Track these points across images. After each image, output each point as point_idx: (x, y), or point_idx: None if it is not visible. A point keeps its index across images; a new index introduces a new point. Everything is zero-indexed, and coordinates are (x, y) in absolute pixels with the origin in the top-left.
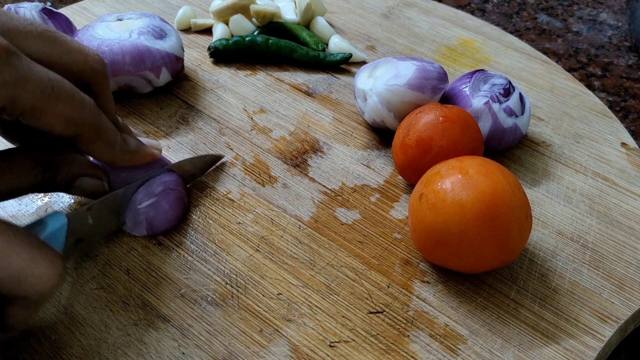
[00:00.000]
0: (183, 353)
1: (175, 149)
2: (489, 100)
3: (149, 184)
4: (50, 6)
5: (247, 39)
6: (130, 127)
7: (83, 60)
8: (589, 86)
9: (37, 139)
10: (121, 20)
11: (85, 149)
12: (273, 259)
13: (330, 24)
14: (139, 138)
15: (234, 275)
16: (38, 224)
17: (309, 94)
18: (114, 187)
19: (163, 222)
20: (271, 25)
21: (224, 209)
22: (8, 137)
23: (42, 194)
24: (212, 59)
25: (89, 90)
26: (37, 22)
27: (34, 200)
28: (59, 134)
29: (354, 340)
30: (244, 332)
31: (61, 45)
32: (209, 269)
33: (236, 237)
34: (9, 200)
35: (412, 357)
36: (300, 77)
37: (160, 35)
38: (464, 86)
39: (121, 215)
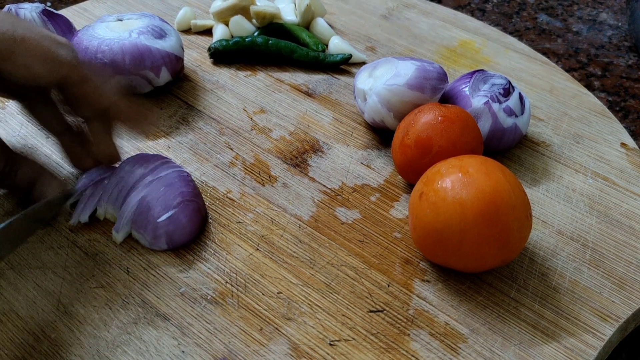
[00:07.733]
0: (183, 351)
1: (175, 149)
2: (488, 100)
3: (165, 194)
4: (50, 7)
5: (247, 39)
6: None
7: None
8: (589, 86)
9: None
10: (121, 20)
11: (77, 95)
12: (273, 257)
13: (330, 25)
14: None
15: (234, 274)
16: None
17: (309, 94)
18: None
19: (182, 236)
20: (271, 26)
21: (224, 208)
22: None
23: None
24: (212, 59)
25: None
26: None
27: None
28: (41, 77)
29: (354, 338)
30: (244, 331)
31: None
32: (209, 268)
33: (236, 236)
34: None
35: (413, 355)
36: (300, 78)
37: (160, 34)
38: (463, 86)
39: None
